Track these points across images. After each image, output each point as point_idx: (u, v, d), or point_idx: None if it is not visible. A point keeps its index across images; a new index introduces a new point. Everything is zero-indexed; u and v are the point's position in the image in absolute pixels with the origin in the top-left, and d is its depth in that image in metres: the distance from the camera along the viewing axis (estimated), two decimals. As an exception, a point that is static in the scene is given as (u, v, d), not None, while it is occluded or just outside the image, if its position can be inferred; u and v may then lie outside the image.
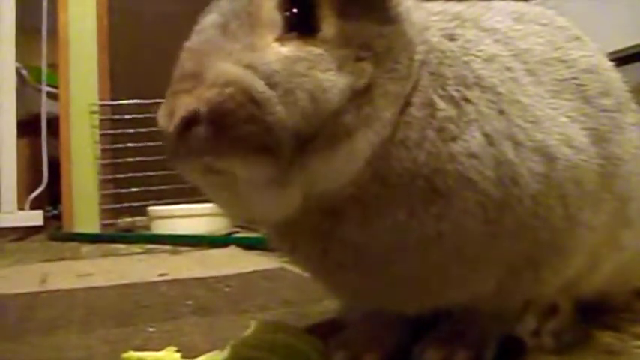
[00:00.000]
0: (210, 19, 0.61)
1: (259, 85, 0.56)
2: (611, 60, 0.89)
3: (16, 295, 1.51)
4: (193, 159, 0.57)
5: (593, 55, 0.83)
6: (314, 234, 0.67)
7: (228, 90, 0.55)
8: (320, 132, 0.58)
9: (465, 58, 0.68)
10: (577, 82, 0.76)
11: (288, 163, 0.57)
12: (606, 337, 0.87)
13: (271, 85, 0.56)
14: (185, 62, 0.59)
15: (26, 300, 1.43)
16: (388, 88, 0.62)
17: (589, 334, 0.88)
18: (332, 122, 0.58)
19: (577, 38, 0.84)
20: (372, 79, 0.61)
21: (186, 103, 0.55)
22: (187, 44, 0.60)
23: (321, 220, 0.66)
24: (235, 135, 0.55)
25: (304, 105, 0.57)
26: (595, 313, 0.95)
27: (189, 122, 0.55)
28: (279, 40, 0.59)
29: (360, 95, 0.60)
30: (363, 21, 0.62)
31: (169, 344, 0.86)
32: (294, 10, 0.60)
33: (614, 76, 0.86)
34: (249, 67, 0.57)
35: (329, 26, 0.60)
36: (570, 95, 0.74)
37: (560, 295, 0.86)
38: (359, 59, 0.60)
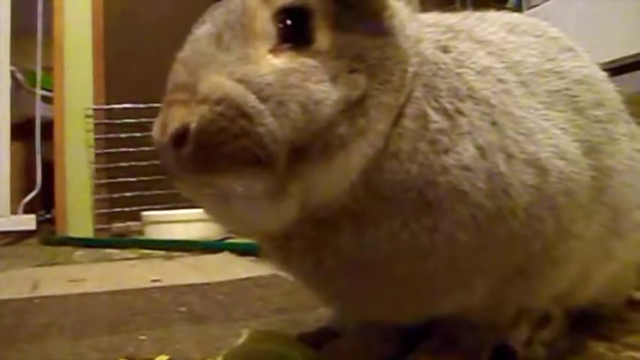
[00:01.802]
0: (203, 30, 0.60)
1: (251, 100, 0.56)
2: (609, 69, 0.90)
3: (8, 301, 1.50)
4: (187, 175, 0.57)
5: (586, 65, 0.84)
6: (307, 245, 0.67)
7: (219, 108, 0.55)
8: (314, 143, 0.58)
9: (458, 70, 0.68)
10: (570, 93, 0.76)
11: (283, 175, 0.57)
12: (599, 347, 0.88)
13: (263, 98, 0.56)
14: (178, 74, 0.59)
15: (18, 306, 1.43)
16: (382, 100, 0.62)
17: (581, 344, 0.88)
18: (326, 134, 0.58)
19: (570, 49, 0.84)
20: (366, 91, 0.61)
21: (177, 119, 0.55)
22: (180, 55, 0.60)
23: (314, 231, 0.66)
24: (227, 150, 0.55)
25: (296, 117, 0.57)
26: (588, 322, 0.95)
27: (181, 138, 0.55)
28: (273, 51, 0.59)
29: (354, 107, 0.60)
30: (357, 33, 0.62)
31: (161, 352, 0.86)
32: (288, 22, 0.60)
33: (607, 86, 0.87)
34: (241, 80, 0.57)
35: (323, 38, 0.60)
36: (563, 106, 0.75)
37: (553, 305, 0.86)
38: (352, 71, 0.60)
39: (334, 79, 0.59)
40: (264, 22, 0.60)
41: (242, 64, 0.58)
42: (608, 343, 0.89)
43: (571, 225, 0.71)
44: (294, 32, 0.60)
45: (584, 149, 0.73)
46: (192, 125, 0.55)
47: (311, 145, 0.58)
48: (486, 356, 0.77)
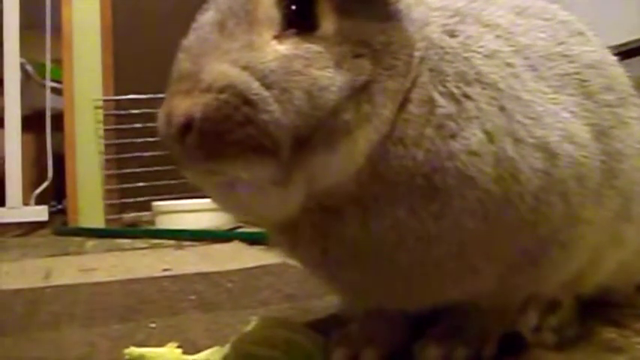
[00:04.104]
0: (207, 17, 0.60)
1: (255, 87, 0.56)
2: (617, 53, 0.89)
3: (20, 290, 1.51)
4: (193, 164, 0.57)
5: (596, 49, 0.82)
6: (314, 232, 0.67)
7: (223, 96, 0.55)
8: (319, 130, 0.58)
9: (466, 55, 0.67)
10: (579, 77, 0.75)
11: (288, 162, 0.57)
12: (608, 333, 0.87)
13: (268, 85, 0.56)
14: (182, 62, 0.59)
15: (30, 295, 1.44)
16: (387, 85, 0.61)
17: (591, 330, 0.87)
18: (331, 120, 0.58)
19: (580, 33, 0.83)
20: (371, 76, 0.60)
21: (182, 108, 0.55)
22: (184, 42, 0.60)
23: (321, 219, 0.66)
24: (233, 138, 0.55)
25: (301, 103, 0.56)
26: (597, 308, 0.94)
27: (186, 127, 0.55)
28: (277, 37, 0.59)
29: (359, 92, 0.60)
30: (362, 17, 0.62)
31: (171, 340, 0.86)
32: (293, 7, 0.60)
33: (617, 70, 0.86)
34: (246, 67, 0.57)
35: (328, 23, 0.60)
36: (572, 90, 0.74)
37: (562, 290, 0.86)
38: (357, 56, 0.60)
39: (339, 64, 0.59)
40: (269, 7, 0.59)
41: (246, 51, 0.57)
42: (618, 329, 0.88)
43: (580, 210, 0.70)
44: (298, 18, 0.60)
45: (593, 133, 0.73)
46: (197, 114, 0.55)
47: (316, 132, 0.58)
48: (494, 343, 0.76)
